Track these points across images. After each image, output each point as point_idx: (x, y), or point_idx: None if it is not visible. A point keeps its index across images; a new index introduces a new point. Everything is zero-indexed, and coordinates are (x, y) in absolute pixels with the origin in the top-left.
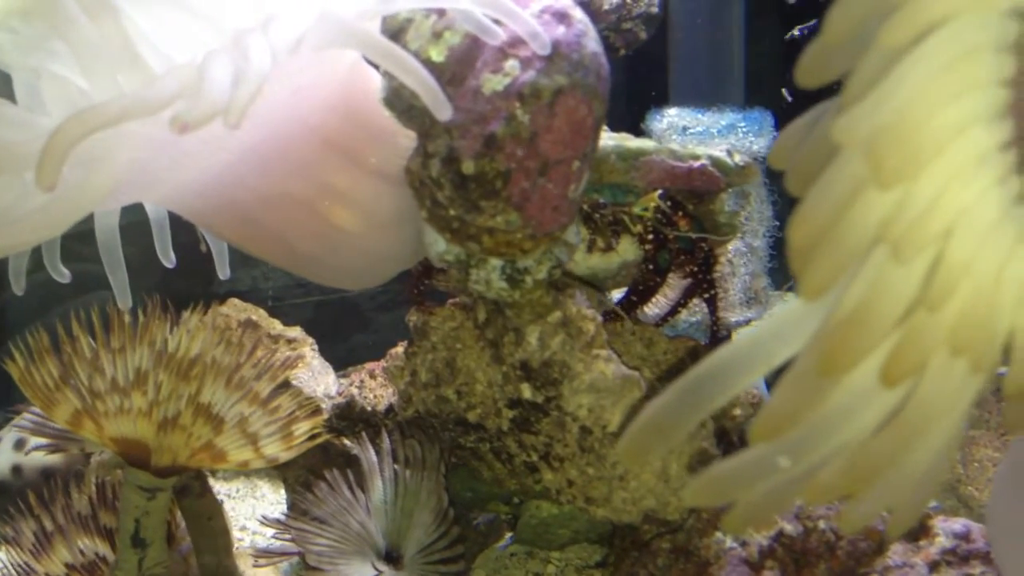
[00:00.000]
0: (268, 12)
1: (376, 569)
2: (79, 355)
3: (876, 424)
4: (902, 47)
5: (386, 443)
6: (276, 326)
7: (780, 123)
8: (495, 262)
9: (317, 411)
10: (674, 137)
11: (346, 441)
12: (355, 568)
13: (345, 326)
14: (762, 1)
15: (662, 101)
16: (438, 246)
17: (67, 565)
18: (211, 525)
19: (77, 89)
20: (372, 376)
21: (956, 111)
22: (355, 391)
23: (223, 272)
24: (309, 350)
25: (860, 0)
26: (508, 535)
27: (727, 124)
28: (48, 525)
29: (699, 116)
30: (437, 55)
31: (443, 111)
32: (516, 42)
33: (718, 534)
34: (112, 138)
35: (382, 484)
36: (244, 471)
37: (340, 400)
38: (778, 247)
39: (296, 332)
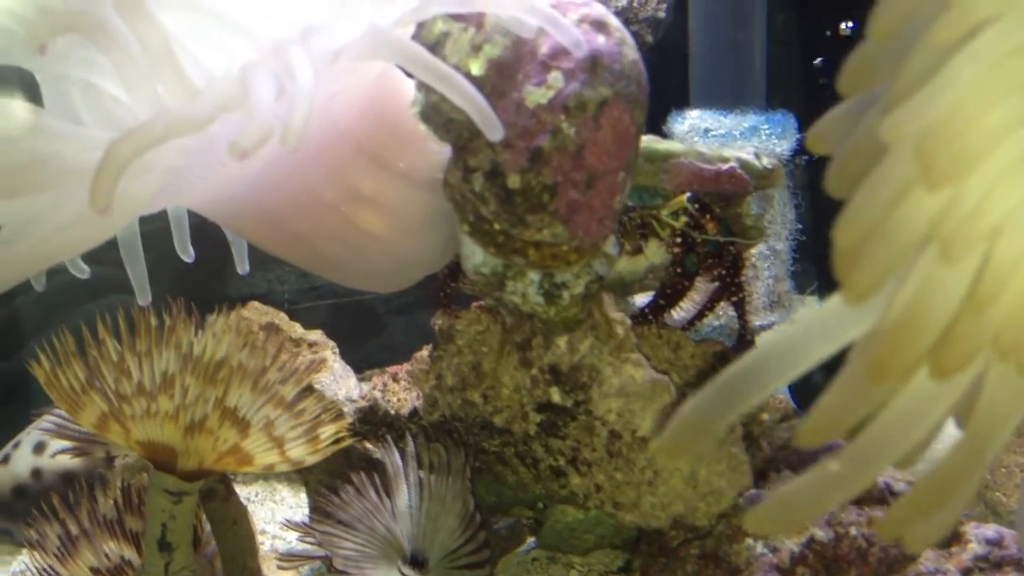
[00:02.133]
0: (307, 22)
1: (402, 574)
2: (105, 358)
3: (931, 428)
4: (951, 45)
5: (411, 447)
6: (297, 329)
7: (803, 125)
8: (533, 276)
9: (340, 415)
10: (695, 139)
11: (368, 445)
12: (381, 572)
13: (360, 330)
14: (784, 2)
15: (683, 103)
16: (475, 258)
17: (92, 569)
18: (236, 529)
19: (111, 98)
20: (395, 380)
21: (1005, 110)
22: (378, 395)
23: (242, 268)
24: (330, 353)
25: (905, 1)
26: (530, 540)
27: (750, 126)
28: (73, 529)
29: (721, 118)
30: (477, 68)
31: (495, 132)
32: (557, 53)
33: (748, 540)
34: (152, 150)
35: (407, 488)
36: (263, 475)
37: (363, 404)
38: (801, 250)
39: (317, 335)
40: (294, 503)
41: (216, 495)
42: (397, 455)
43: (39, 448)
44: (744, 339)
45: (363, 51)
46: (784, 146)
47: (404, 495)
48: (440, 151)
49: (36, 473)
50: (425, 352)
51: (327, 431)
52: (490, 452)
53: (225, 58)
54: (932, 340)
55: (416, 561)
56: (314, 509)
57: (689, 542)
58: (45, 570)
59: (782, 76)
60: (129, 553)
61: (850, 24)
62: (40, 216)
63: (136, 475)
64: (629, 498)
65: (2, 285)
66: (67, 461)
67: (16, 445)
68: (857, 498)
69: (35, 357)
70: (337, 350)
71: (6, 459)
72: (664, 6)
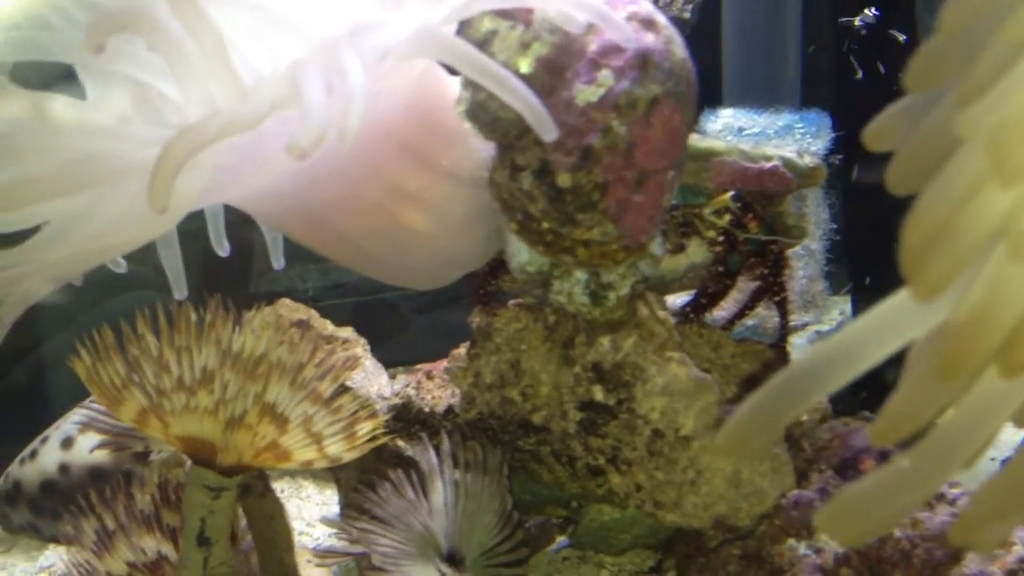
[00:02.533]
0: (356, 20)
1: (439, 571)
2: (145, 353)
3: (997, 428)
4: None
5: (446, 445)
6: (328, 327)
7: (837, 124)
8: (580, 275)
9: (375, 412)
10: (729, 138)
11: (399, 442)
12: (418, 569)
13: (383, 328)
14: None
15: (715, 102)
16: (520, 256)
17: (129, 564)
18: (273, 524)
19: (160, 95)
20: (429, 377)
21: None
22: (412, 392)
23: (277, 263)
24: (362, 351)
25: None
26: (560, 539)
27: (784, 125)
28: (110, 524)
29: (755, 117)
30: (526, 67)
31: (549, 132)
32: (607, 51)
33: (791, 541)
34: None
35: (443, 486)
36: (290, 471)
37: (396, 401)
38: (834, 250)
39: (348, 332)
40: (320, 500)
41: (253, 491)
42: (432, 453)
43: (67, 443)
44: (784, 339)
45: (413, 50)
46: (819, 145)
47: (440, 493)
48: (483, 149)
49: (64, 469)
50: (462, 350)
51: (364, 428)
52: (525, 450)
53: (271, 55)
54: (1002, 338)
55: (453, 559)
56: (347, 506)
57: (730, 542)
58: (82, 565)
59: (816, 74)
60: (166, 548)
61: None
62: (86, 213)
63: (171, 471)
64: (670, 498)
65: (51, 284)
66: (95, 457)
67: (44, 440)
68: None
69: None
70: (368, 347)
71: (33, 455)
72: (690, 7)
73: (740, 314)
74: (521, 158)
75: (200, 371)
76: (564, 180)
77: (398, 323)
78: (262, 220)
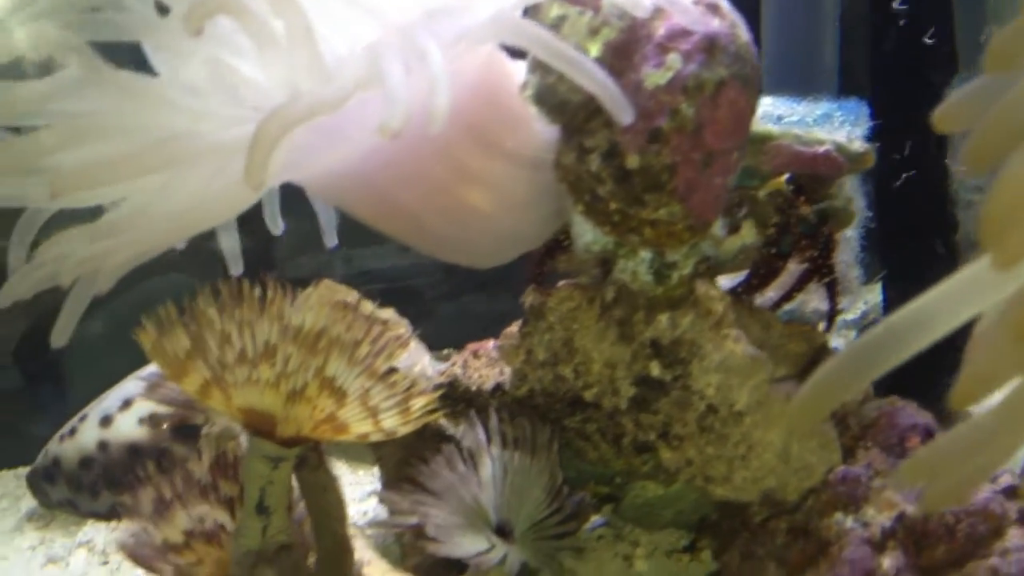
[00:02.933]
0: (431, 5)
1: (489, 542)
2: (208, 327)
3: None
4: None
5: (494, 421)
6: (368, 307)
7: (874, 113)
8: (644, 254)
9: (426, 389)
10: (770, 126)
11: (441, 421)
12: (469, 540)
13: (408, 315)
14: None
15: None
16: (586, 237)
17: (186, 532)
18: (327, 496)
19: (236, 74)
20: (476, 356)
21: None
22: (459, 371)
23: (331, 240)
24: (404, 331)
25: None
26: (594, 518)
27: (822, 113)
28: (167, 494)
29: (794, 105)
30: (595, 51)
31: (625, 114)
32: (674, 36)
33: (838, 515)
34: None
35: (491, 461)
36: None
37: (442, 380)
38: (869, 237)
39: (389, 314)
40: (352, 479)
41: (308, 463)
42: (480, 429)
43: (106, 422)
44: (834, 320)
45: (488, 34)
46: (857, 133)
47: (488, 467)
48: (545, 132)
49: (102, 446)
50: (514, 328)
51: (418, 403)
52: (571, 428)
53: (347, 38)
54: None
55: (501, 531)
56: (389, 482)
57: (777, 516)
58: (138, 533)
59: (853, 63)
60: (223, 517)
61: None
62: (165, 192)
63: (224, 444)
64: (720, 472)
65: (130, 263)
66: (133, 434)
67: (83, 419)
68: None
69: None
70: (411, 329)
71: (73, 432)
72: None
73: (786, 296)
74: (589, 140)
75: (262, 345)
76: (632, 161)
77: (423, 310)
78: (325, 197)
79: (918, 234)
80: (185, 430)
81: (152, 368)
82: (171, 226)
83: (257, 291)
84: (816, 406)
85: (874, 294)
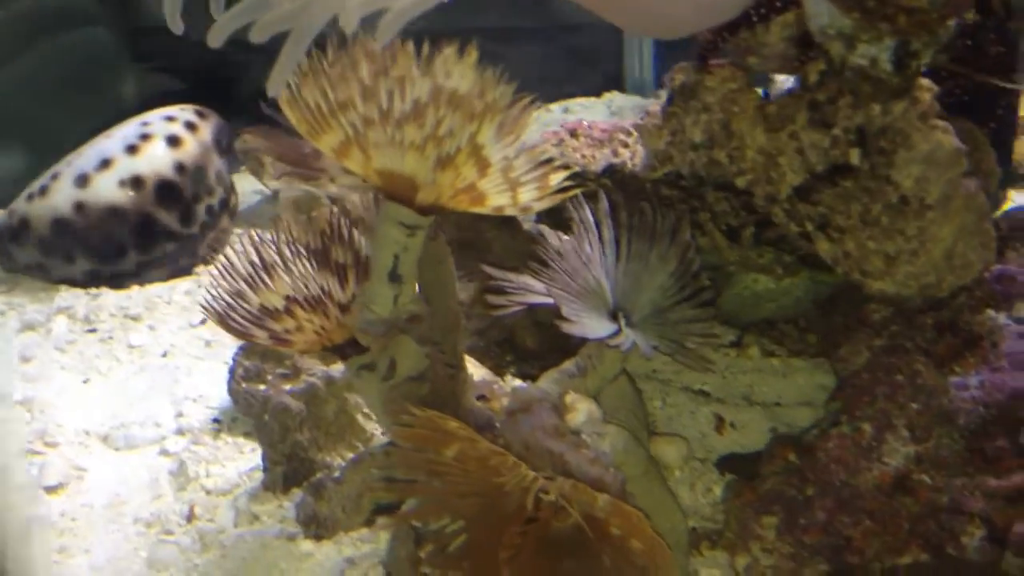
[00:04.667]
0: None
1: (616, 325)
2: (353, 81)
3: None
4: None
5: (605, 204)
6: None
7: None
8: (889, 42)
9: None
10: None
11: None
12: (596, 322)
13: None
14: None
15: None
16: (822, 19)
17: (287, 298)
18: (441, 268)
19: None
20: (574, 135)
21: None
22: (553, 150)
23: None
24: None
25: None
26: None
27: None
28: (267, 256)
29: None
30: None
31: None
32: None
33: (989, 311)
34: None
35: (602, 245)
36: None
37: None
38: None
39: None
40: None
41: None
42: (589, 211)
43: (82, 181)
44: None
45: None
46: None
47: (600, 252)
48: None
49: (79, 207)
50: (656, 107)
51: (555, 177)
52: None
53: None
54: None
55: (617, 317)
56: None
57: (923, 312)
58: (232, 295)
59: None
60: (331, 284)
61: None
62: None
63: (301, 212)
64: (878, 267)
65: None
66: (113, 196)
67: (55, 177)
68: None
69: None
70: None
71: (44, 191)
72: None
73: None
74: None
75: (411, 104)
76: None
77: None
78: None
79: None
80: (171, 194)
81: (126, 127)
82: None
83: (408, 46)
84: None
85: None
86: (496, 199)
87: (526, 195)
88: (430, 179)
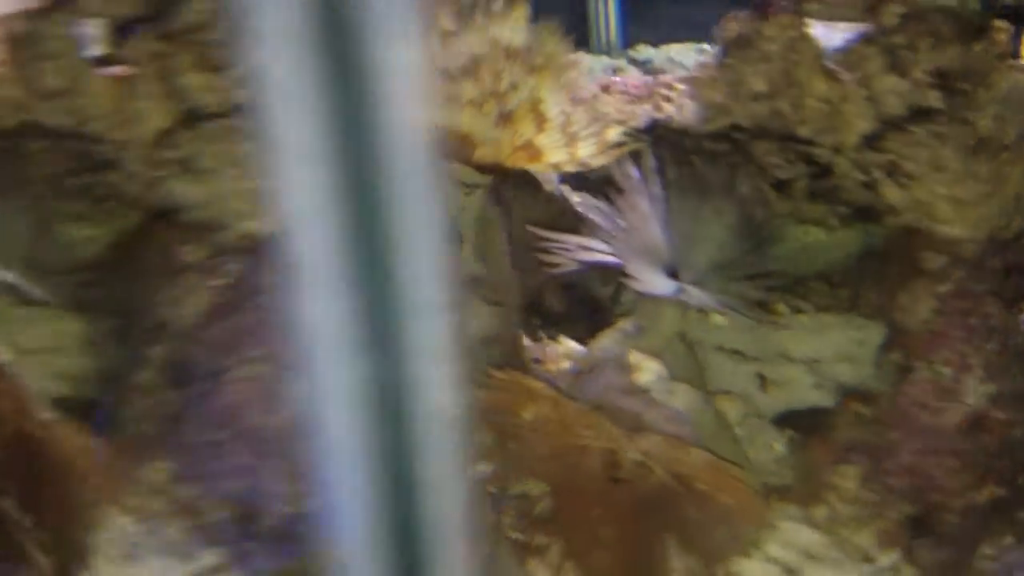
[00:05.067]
0: None
1: (675, 283)
2: None
3: None
4: None
5: (651, 161)
6: None
7: None
8: None
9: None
10: None
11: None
12: (655, 279)
13: None
14: None
15: None
16: None
17: None
18: (492, 229)
19: None
20: (607, 91)
21: None
22: (609, 104)
23: None
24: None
25: None
26: None
27: None
28: None
29: None
30: None
31: None
32: None
33: None
34: None
35: (651, 201)
36: None
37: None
38: None
39: None
40: None
41: None
42: (634, 169)
43: None
44: None
45: None
46: None
47: (651, 208)
48: None
49: None
50: (706, 59)
51: (612, 132)
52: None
53: None
54: None
55: (673, 274)
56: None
57: (991, 255)
58: None
59: None
60: None
61: None
62: None
63: None
64: (947, 212)
65: None
66: None
67: None
68: None
69: None
70: None
71: None
72: None
73: None
74: None
75: (468, 59)
76: None
77: None
78: None
79: None
80: None
81: None
82: None
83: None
84: None
85: None
86: (553, 155)
87: (584, 150)
88: (489, 136)
